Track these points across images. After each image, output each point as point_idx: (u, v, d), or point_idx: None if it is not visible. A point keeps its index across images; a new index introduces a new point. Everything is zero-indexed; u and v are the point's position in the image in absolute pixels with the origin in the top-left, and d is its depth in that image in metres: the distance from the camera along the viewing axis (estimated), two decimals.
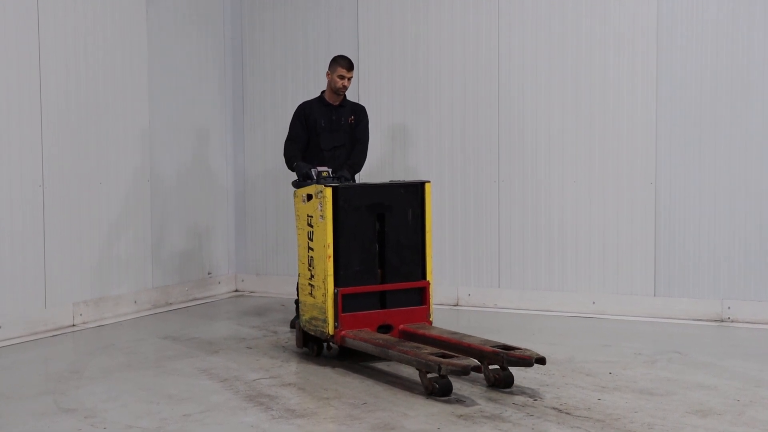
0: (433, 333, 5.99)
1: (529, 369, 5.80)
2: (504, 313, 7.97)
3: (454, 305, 8.32)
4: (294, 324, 7.06)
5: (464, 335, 5.95)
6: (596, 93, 7.79)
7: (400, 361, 5.51)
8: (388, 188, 6.31)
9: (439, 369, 5.15)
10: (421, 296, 6.28)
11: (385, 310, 6.15)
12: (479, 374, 5.47)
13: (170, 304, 8.52)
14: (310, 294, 6.20)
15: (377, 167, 8.43)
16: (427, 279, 6.28)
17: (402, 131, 8.54)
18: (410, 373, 5.69)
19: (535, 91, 8.01)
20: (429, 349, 5.49)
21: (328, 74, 7.10)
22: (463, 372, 5.17)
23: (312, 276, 6.17)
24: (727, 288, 7.38)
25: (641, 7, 7.59)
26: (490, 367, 5.45)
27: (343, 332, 5.98)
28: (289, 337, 7.02)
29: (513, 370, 5.55)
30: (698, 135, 7.44)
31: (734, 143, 7.33)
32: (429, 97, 8.42)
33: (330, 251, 6.00)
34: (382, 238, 6.19)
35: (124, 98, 8.04)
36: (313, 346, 6.31)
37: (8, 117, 6.97)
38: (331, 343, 6.25)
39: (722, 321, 7.37)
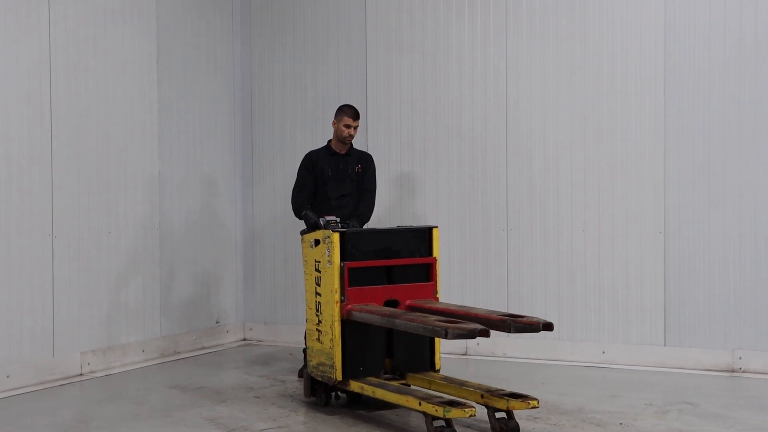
0: (440, 306, 5.99)
1: (538, 419, 5.76)
2: (513, 363, 7.92)
3: (463, 354, 8.27)
4: (302, 373, 7.03)
5: (471, 307, 5.97)
6: (605, 141, 7.81)
7: (407, 329, 5.45)
8: (395, 233, 6.33)
9: (446, 333, 5.10)
10: (427, 272, 6.28)
11: (392, 285, 6.15)
12: (486, 424, 5.42)
13: (178, 353, 8.50)
14: (318, 339, 6.18)
15: (385, 215, 8.44)
16: (434, 255, 6.28)
17: (409, 179, 8.57)
18: (418, 423, 5.65)
19: (543, 139, 8.04)
20: (435, 317, 5.47)
21: (334, 123, 7.15)
22: (470, 335, 5.08)
23: (320, 321, 6.16)
24: (738, 338, 7.32)
25: (649, 55, 7.64)
26: (496, 415, 5.41)
27: (349, 306, 5.96)
28: (297, 386, 6.99)
29: (522, 419, 5.49)
30: (707, 183, 7.44)
31: (743, 191, 7.32)
32: (437, 145, 8.46)
33: (337, 296, 6.00)
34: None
35: (133, 148, 8.09)
36: (321, 395, 6.28)
37: (19, 166, 7.03)
38: (339, 392, 6.22)
39: (733, 371, 7.31)
